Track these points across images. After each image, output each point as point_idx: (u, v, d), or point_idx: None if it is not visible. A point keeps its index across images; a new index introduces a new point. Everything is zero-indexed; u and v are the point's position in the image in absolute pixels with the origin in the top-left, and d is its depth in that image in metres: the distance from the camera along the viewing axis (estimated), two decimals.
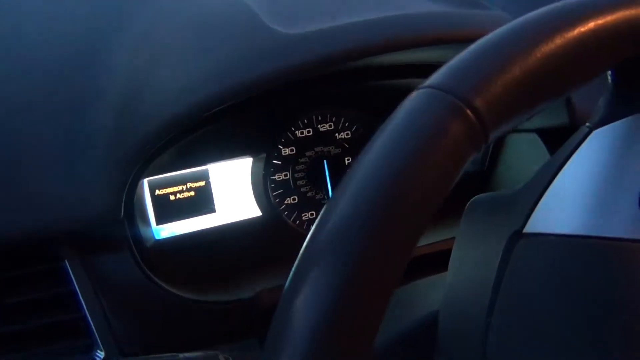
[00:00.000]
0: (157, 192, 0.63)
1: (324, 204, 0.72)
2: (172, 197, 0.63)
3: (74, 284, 0.51)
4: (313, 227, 0.25)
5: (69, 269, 0.52)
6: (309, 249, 0.25)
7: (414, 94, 0.27)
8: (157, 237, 0.63)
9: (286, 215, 0.69)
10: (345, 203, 0.24)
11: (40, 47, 0.57)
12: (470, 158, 0.26)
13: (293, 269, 0.25)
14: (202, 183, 0.65)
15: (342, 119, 0.71)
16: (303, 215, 0.70)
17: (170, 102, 0.50)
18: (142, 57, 0.54)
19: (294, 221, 0.70)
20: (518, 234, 0.38)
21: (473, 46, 0.28)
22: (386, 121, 0.26)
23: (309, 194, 0.71)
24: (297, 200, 0.70)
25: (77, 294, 0.51)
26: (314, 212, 0.71)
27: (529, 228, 0.38)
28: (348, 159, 0.72)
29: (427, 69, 0.70)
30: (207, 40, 0.53)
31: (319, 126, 0.70)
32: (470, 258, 0.43)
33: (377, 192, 0.24)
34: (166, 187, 0.63)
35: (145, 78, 0.53)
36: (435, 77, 0.27)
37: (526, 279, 0.37)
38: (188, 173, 0.64)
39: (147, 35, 0.57)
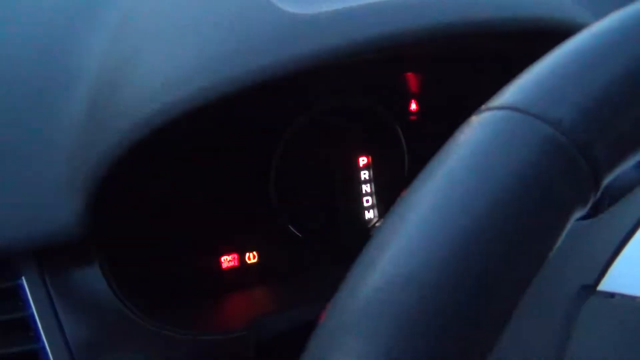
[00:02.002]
0: (138, 195, 0.54)
1: (333, 210, 0.65)
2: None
3: (31, 307, 0.43)
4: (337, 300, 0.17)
5: (27, 288, 0.43)
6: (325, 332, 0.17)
7: (485, 117, 0.18)
8: (138, 248, 0.54)
9: (290, 221, 0.61)
10: (397, 284, 0.16)
11: None
12: (574, 216, 0.17)
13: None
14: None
15: (357, 113, 0.62)
16: (309, 222, 0.62)
17: (153, 95, 0.40)
18: (123, 41, 0.45)
19: (299, 228, 0.61)
20: (589, 290, 0.31)
21: (563, 52, 0.19)
22: (445, 153, 0.17)
23: (317, 199, 0.62)
24: (302, 206, 0.61)
25: (35, 319, 0.43)
26: (321, 219, 0.62)
27: (606, 285, 0.30)
28: (363, 160, 0.63)
29: (456, 59, 0.61)
30: (201, 22, 0.43)
31: (329, 121, 0.61)
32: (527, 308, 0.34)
33: (433, 279, 0.15)
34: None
35: (125, 66, 0.43)
36: (516, 94, 0.18)
37: (601, 346, 0.30)
38: (176, 175, 0.55)
39: (130, 14, 0.47)
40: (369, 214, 0.65)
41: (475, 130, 0.17)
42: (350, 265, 0.56)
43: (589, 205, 0.17)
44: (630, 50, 0.18)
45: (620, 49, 0.18)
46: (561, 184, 0.16)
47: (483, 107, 0.18)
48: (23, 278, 0.43)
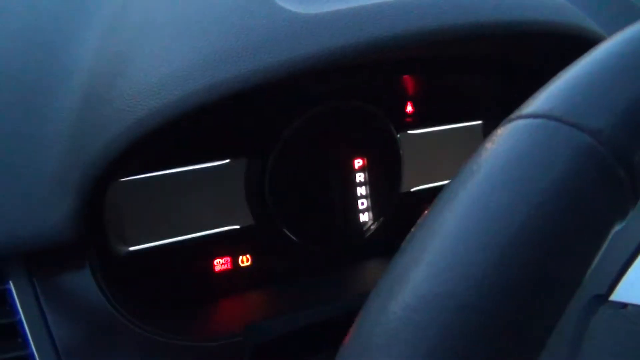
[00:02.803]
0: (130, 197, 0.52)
1: (328, 213, 0.64)
2: None
3: (19, 313, 0.41)
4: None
5: (14, 292, 0.41)
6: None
7: (518, 125, 0.17)
8: (131, 250, 0.53)
9: (284, 224, 0.60)
10: (430, 298, 0.15)
11: None
12: (614, 228, 0.16)
13: None
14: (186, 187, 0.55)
15: (353, 115, 0.61)
16: (304, 225, 0.61)
17: (148, 94, 0.39)
18: (117, 36, 0.43)
19: (293, 231, 0.60)
20: (601, 300, 0.30)
21: (597, 58, 0.18)
22: (476, 164, 0.16)
23: (312, 201, 0.61)
24: (297, 208, 0.60)
25: (23, 325, 0.41)
26: (316, 222, 0.61)
27: (618, 296, 0.29)
28: (358, 162, 0.62)
29: (454, 62, 0.60)
30: (199, 19, 0.42)
31: (326, 123, 0.60)
32: None
33: (465, 299, 0.14)
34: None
35: (119, 62, 0.42)
36: (550, 102, 0.17)
37: (611, 354, 0.29)
38: (170, 175, 0.54)
39: (125, 8, 0.45)
40: (364, 217, 0.64)
41: (510, 140, 0.16)
42: (345, 269, 0.54)
43: (628, 217, 0.16)
44: None
45: None
46: (601, 196, 0.15)
47: (514, 114, 0.17)
48: (10, 282, 0.42)
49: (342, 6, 0.41)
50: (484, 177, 0.16)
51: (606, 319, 0.30)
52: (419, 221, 0.18)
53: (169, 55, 0.40)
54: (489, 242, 0.14)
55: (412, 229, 0.18)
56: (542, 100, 0.17)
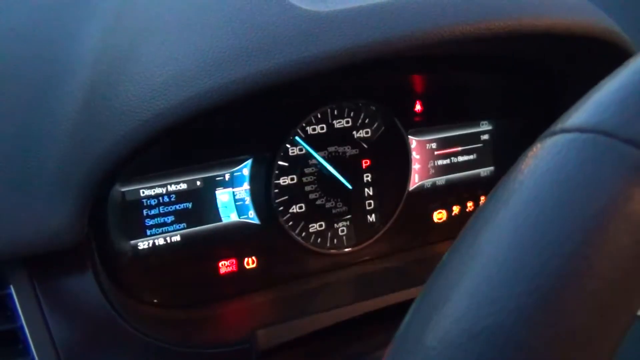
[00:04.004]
0: (134, 196, 0.51)
1: (335, 214, 0.62)
2: (153, 203, 0.52)
3: (20, 318, 0.40)
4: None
5: (15, 297, 0.40)
6: None
7: (565, 139, 0.15)
8: (135, 250, 0.51)
9: (290, 225, 0.58)
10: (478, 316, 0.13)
11: None
12: None
13: None
14: (190, 186, 0.53)
15: (362, 114, 0.60)
16: (310, 226, 0.60)
17: (154, 95, 0.37)
18: (120, 35, 0.42)
19: (300, 233, 0.59)
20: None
21: None
22: (515, 181, 0.15)
23: (319, 202, 0.60)
24: (304, 209, 0.59)
25: (25, 331, 0.40)
26: (323, 223, 0.60)
27: None
28: (366, 162, 0.61)
29: (466, 61, 0.59)
30: (208, 17, 0.40)
31: (335, 122, 0.58)
32: None
33: (517, 327, 0.13)
34: (146, 190, 0.51)
35: (123, 62, 0.40)
36: (598, 115, 0.16)
37: None
38: (174, 175, 0.52)
39: (130, 6, 0.44)
40: (371, 218, 0.63)
41: (555, 157, 0.15)
42: (352, 271, 0.53)
43: None
44: None
45: None
46: None
47: (557, 127, 0.16)
48: (11, 287, 0.41)
49: (354, 4, 0.39)
50: (529, 198, 0.14)
51: (631, 333, 0.28)
52: (454, 243, 0.16)
53: (175, 55, 0.38)
54: (540, 272, 0.13)
55: (447, 252, 0.16)
56: (588, 111, 0.16)
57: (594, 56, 0.47)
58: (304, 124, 0.57)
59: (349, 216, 0.61)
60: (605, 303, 0.13)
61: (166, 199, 0.52)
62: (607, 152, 0.15)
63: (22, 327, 0.40)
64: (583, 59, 0.48)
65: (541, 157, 0.15)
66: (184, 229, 0.54)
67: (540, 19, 0.40)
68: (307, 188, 0.59)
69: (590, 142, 0.15)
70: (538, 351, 0.13)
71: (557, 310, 0.13)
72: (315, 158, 0.58)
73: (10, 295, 0.41)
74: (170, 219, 0.53)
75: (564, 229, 0.14)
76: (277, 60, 0.36)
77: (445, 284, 0.15)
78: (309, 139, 0.57)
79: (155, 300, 0.52)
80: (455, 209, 0.67)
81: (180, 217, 0.53)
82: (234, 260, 0.57)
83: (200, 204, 0.54)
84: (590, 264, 0.13)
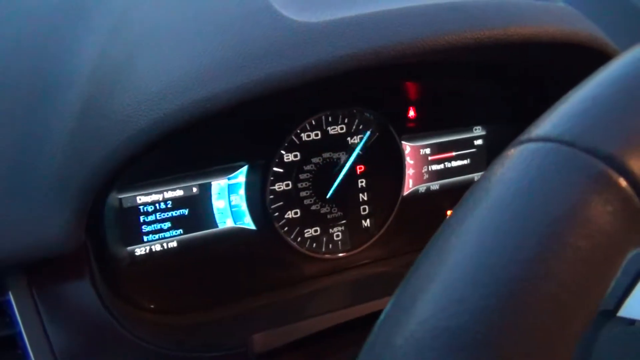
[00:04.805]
0: (130, 202, 0.52)
1: (330, 219, 0.63)
2: (149, 209, 0.53)
3: (18, 324, 0.41)
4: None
5: (13, 304, 0.41)
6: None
7: (529, 148, 0.16)
8: (132, 256, 0.52)
9: (286, 231, 0.59)
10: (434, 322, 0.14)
11: None
12: (627, 257, 0.16)
13: None
14: (186, 193, 0.54)
15: (356, 120, 0.61)
16: (306, 231, 0.60)
17: (149, 104, 0.38)
18: (116, 46, 0.43)
19: (295, 238, 0.60)
20: (609, 315, 0.30)
21: (607, 79, 0.18)
22: (483, 188, 0.16)
23: (314, 207, 0.60)
24: (299, 214, 0.60)
25: (23, 337, 0.41)
26: (318, 229, 0.61)
27: (626, 312, 0.29)
28: (360, 168, 0.62)
29: (455, 68, 0.60)
30: (201, 28, 0.41)
31: (329, 128, 0.59)
32: None
33: (481, 328, 0.14)
34: (142, 197, 0.52)
35: (119, 74, 0.41)
36: (561, 126, 0.16)
37: None
38: (170, 182, 0.53)
39: (127, 18, 0.45)
40: (366, 223, 0.64)
41: (519, 165, 0.16)
42: (347, 276, 0.54)
43: None
44: None
45: None
46: (614, 223, 0.15)
47: (524, 136, 0.17)
48: (10, 293, 0.41)
49: (345, 14, 0.40)
50: (493, 205, 0.15)
51: (614, 335, 0.29)
52: (425, 248, 0.17)
53: (169, 65, 0.39)
54: (501, 275, 0.14)
55: (418, 257, 0.17)
56: (553, 122, 0.17)
57: (580, 63, 0.48)
58: (298, 130, 0.58)
59: (344, 221, 0.62)
60: (564, 304, 0.14)
61: (163, 205, 0.53)
62: (567, 160, 0.15)
63: (20, 332, 0.41)
64: (570, 65, 0.49)
65: (507, 165, 0.16)
66: (180, 235, 0.54)
67: (526, 27, 0.41)
68: (302, 194, 0.60)
69: (552, 151, 0.16)
70: (499, 348, 0.13)
71: (517, 311, 0.14)
72: (307, 164, 0.58)
73: (9, 301, 0.41)
74: (167, 225, 0.54)
75: (524, 234, 0.14)
76: (268, 70, 0.37)
77: (414, 288, 0.16)
78: (303, 145, 0.58)
79: (152, 306, 0.52)
80: (449, 214, 0.68)
81: (177, 223, 0.54)
82: (230, 266, 0.57)
83: (197, 210, 0.55)
84: (548, 268, 0.14)
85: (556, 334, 0.14)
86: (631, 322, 0.29)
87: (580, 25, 0.45)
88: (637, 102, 0.16)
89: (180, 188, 0.54)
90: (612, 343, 0.29)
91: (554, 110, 0.17)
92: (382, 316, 0.16)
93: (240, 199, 0.57)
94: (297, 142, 0.58)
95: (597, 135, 0.16)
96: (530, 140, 0.17)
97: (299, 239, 0.60)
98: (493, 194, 0.15)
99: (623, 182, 0.15)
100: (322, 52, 0.37)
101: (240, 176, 0.57)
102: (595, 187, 0.15)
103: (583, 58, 0.46)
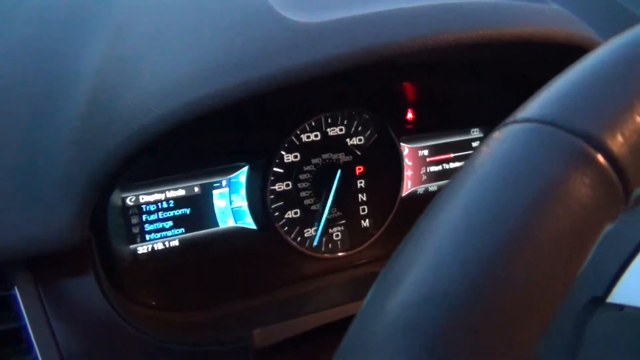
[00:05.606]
0: (133, 201, 0.53)
1: (330, 219, 0.64)
2: (152, 208, 0.54)
3: (24, 318, 0.42)
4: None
5: (19, 298, 0.42)
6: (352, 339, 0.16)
7: (513, 129, 0.17)
8: (134, 255, 0.53)
9: (286, 230, 0.60)
10: (412, 295, 0.15)
11: None
12: (604, 229, 0.17)
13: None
14: (188, 192, 0.55)
15: (355, 122, 0.62)
16: (306, 231, 0.61)
17: (152, 102, 0.39)
18: (121, 47, 0.44)
19: (295, 238, 0.61)
20: (598, 302, 0.30)
21: (589, 65, 0.19)
22: (471, 168, 0.17)
23: (314, 207, 0.61)
24: (299, 214, 0.60)
25: (28, 330, 0.42)
26: (317, 229, 0.62)
27: (616, 297, 0.30)
28: (359, 168, 0.63)
29: (453, 69, 0.61)
30: (203, 28, 0.42)
31: (328, 129, 0.60)
32: None
33: (464, 293, 0.15)
34: (145, 196, 0.53)
35: (124, 72, 0.42)
36: (544, 107, 0.17)
37: (609, 356, 0.30)
38: (172, 181, 0.54)
39: (128, 19, 0.46)
40: (365, 223, 0.65)
41: (503, 144, 0.17)
42: (347, 274, 0.55)
43: (618, 217, 0.17)
44: None
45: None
46: (593, 198, 0.16)
47: (509, 119, 0.18)
48: (16, 288, 0.42)
49: (344, 15, 0.41)
50: (478, 180, 0.16)
51: (604, 321, 0.30)
52: (416, 222, 0.18)
53: (172, 64, 0.41)
54: (483, 244, 0.15)
55: (410, 231, 0.18)
56: (536, 105, 0.18)
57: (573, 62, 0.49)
58: (298, 131, 0.59)
59: (343, 221, 0.63)
60: (544, 269, 0.15)
61: (165, 204, 0.54)
62: (548, 138, 0.16)
63: (25, 326, 0.42)
64: (565, 66, 0.50)
65: (491, 145, 0.17)
66: (182, 234, 0.55)
67: (520, 28, 0.42)
68: (302, 194, 0.61)
69: (535, 130, 0.17)
70: (483, 308, 0.14)
71: (501, 274, 0.15)
72: (307, 165, 0.59)
73: (15, 296, 0.42)
74: (169, 224, 0.55)
75: (505, 207, 0.15)
76: (268, 69, 0.38)
77: (404, 259, 0.16)
78: (303, 146, 0.59)
79: (154, 303, 0.53)
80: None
81: (179, 222, 0.55)
82: (231, 263, 0.58)
83: (198, 209, 0.56)
84: (530, 235, 0.15)
85: (537, 297, 0.15)
86: (620, 307, 0.29)
87: (574, 26, 0.46)
88: (613, 85, 0.17)
89: (182, 188, 0.55)
90: (602, 329, 0.30)
91: (537, 95, 0.18)
92: (374, 286, 0.17)
93: (241, 199, 0.58)
94: (297, 143, 0.59)
95: (576, 115, 0.17)
96: (515, 122, 0.18)
97: (298, 238, 0.61)
98: (478, 172, 0.16)
99: (600, 158, 0.16)
100: (320, 51, 0.38)
101: (241, 176, 0.58)
102: (574, 162, 0.16)
103: (576, 58, 0.47)
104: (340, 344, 0.17)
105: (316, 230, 0.61)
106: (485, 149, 0.17)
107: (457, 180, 0.17)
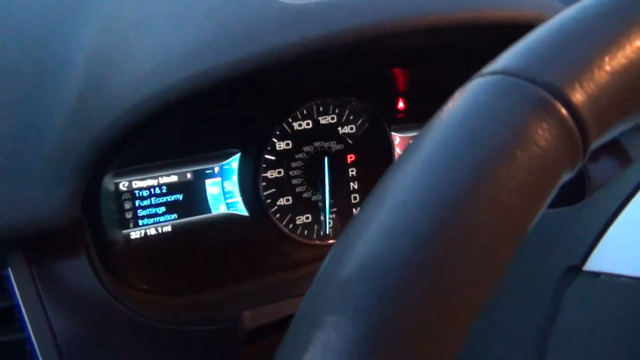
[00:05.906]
0: (126, 187, 0.53)
1: (321, 207, 0.65)
2: (145, 194, 0.54)
3: (16, 297, 0.42)
4: (327, 259, 0.18)
5: (12, 278, 0.43)
6: (318, 289, 0.17)
7: (478, 82, 0.18)
8: (127, 240, 0.54)
9: (278, 217, 0.61)
10: (379, 237, 0.16)
11: None
12: (563, 179, 0.17)
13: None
14: (181, 178, 0.56)
15: (347, 110, 0.62)
16: (297, 218, 0.62)
17: (142, 82, 0.40)
18: (113, 29, 0.45)
19: (287, 225, 0.61)
20: (575, 270, 0.31)
21: (556, 21, 0.20)
22: (437, 119, 0.18)
23: (305, 195, 0.62)
24: (291, 202, 0.61)
25: (21, 309, 0.42)
26: (309, 215, 0.63)
27: (592, 265, 0.30)
28: (351, 157, 0.64)
29: (448, 54, 0.62)
30: (190, 10, 0.43)
31: (320, 118, 0.61)
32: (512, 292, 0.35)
33: (429, 228, 0.15)
34: (138, 182, 0.54)
35: (114, 53, 0.43)
36: (508, 60, 0.18)
37: (587, 325, 0.30)
38: (165, 167, 0.55)
39: (121, 4, 0.47)
40: (356, 211, 0.65)
41: (467, 95, 0.18)
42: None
43: (576, 169, 0.18)
44: (620, 16, 0.18)
45: (611, 15, 0.18)
46: (551, 145, 0.17)
47: (476, 74, 0.19)
48: (9, 268, 0.43)
49: None
50: (442, 129, 0.17)
51: (580, 289, 0.31)
52: (378, 182, 0.19)
53: (163, 45, 0.41)
54: (440, 194, 0.16)
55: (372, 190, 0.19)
56: (501, 59, 0.19)
57: None
58: (289, 119, 0.59)
59: (334, 209, 0.64)
60: (506, 207, 0.16)
61: (157, 190, 0.55)
62: (511, 88, 0.17)
63: (18, 305, 0.42)
64: None
65: (457, 97, 0.18)
66: (175, 219, 0.56)
67: (504, 10, 0.43)
68: (294, 181, 0.61)
69: (498, 81, 0.18)
70: (444, 246, 0.15)
71: (464, 213, 0.15)
72: (299, 153, 0.60)
73: (8, 276, 0.43)
74: (162, 209, 0.55)
75: (465, 157, 0.16)
76: (255, 48, 0.39)
77: (362, 218, 0.17)
78: (294, 134, 0.60)
79: (146, 287, 0.54)
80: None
81: (171, 208, 0.56)
82: (223, 249, 0.59)
83: (191, 195, 0.56)
84: (492, 175, 0.16)
85: (499, 234, 0.16)
86: (597, 274, 0.30)
87: (559, 8, 0.47)
88: (578, 40, 0.18)
89: (174, 174, 0.55)
90: (579, 297, 0.31)
91: (504, 51, 0.19)
92: (334, 245, 0.18)
93: (233, 186, 0.59)
94: (289, 130, 0.60)
95: (537, 67, 0.18)
96: (480, 75, 0.18)
97: (290, 225, 0.62)
98: (441, 125, 0.17)
99: (560, 107, 0.17)
100: (306, 31, 0.39)
101: (234, 163, 0.58)
102: (535, 110, 0.17)
103: None
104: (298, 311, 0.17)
105: (324, 220, 0.62)
106: (450, 102, 0.18)
107: (420, 137, 0.18)
